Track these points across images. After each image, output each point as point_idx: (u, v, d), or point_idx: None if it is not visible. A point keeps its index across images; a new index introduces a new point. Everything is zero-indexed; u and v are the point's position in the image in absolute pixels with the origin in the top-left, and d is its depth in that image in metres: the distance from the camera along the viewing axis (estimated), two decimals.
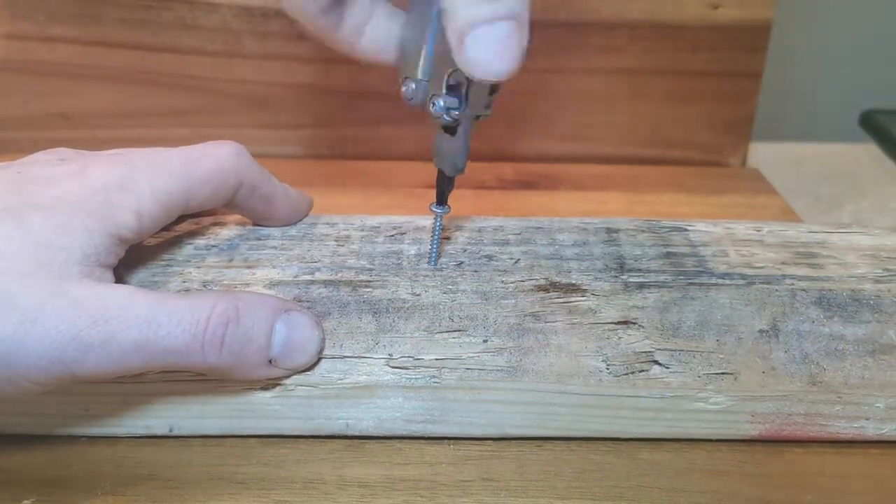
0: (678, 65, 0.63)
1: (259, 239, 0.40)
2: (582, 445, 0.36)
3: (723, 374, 0.35)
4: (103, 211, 0.32)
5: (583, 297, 0.37)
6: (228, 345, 0.32)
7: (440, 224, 0.38)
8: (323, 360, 0.35)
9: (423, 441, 0.36)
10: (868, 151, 0.71)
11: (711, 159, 0.67)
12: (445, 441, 0.36)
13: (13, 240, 0.30)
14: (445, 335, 0.35)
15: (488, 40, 0.30)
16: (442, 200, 0.38)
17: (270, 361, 0.33)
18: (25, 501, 0.33)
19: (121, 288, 0.32)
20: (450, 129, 0.36)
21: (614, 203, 0.60)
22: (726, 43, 0.62)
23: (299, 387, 0.35)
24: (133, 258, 0.36)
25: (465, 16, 0.30)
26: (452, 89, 0.34)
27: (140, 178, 0.33)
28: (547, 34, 0.61)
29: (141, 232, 0.33)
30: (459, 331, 0.35)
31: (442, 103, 0.34)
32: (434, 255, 0.38)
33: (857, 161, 0.71)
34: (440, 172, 0.37)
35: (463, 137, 0.36)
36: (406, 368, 0.35)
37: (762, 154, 0.69)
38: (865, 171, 0.69)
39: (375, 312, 0.36)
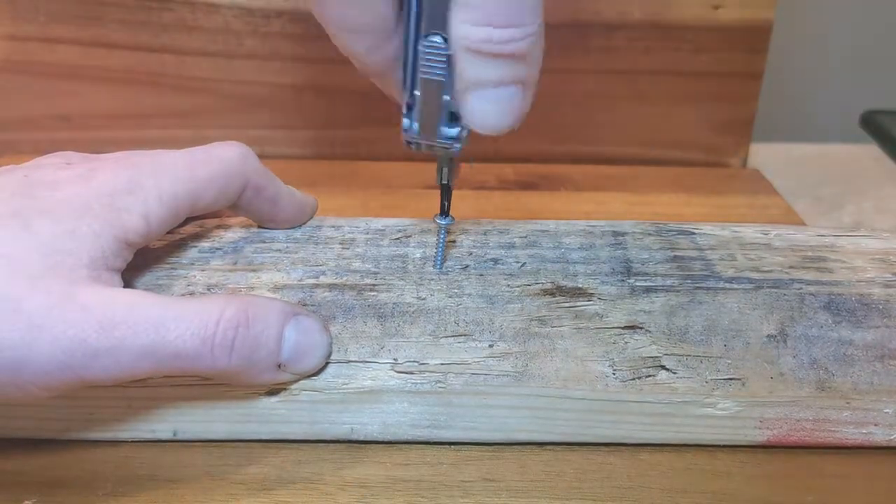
0: (679, 65, 0.63)
1: (263, 242, 0.40)
2: (583, 446, 0.36)
3: (730, 379, 0.35)
4: (110, 214, 0.32)
5: (589, 301, 0.37)
6: (238, 349, 0.31)
7: (444, 234, 0.38)
8: (328, 365, 0.35)
9: (424, 441, 0.36)
10: (869, 152, 0.71)
11: (712, 160, 0.67)
12: (447, 441, 0.36)
13: (21, 244, 0.30)
14: (451, 340, 0.35)
15: (490, 101, 0.31)
16: (446, 211, 0.38)
17: (279, 366, 0.33)
18: (27, 502, 0.33)
19: (129, 292, 0.31)
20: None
21: (615, 203, 0.60)
22: (727, 44, 0.62)
23: (304, 391, 0.34)
24: (137, 261, 0.36)
25: (471, 76, 0.31)
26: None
27: (146, 181, 0.33)
28: (548, 35, 0.61)
29: (148, 235, 0.33)
30: (465, 335, 0.35)
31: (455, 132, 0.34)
32: (439, 261, 0.38)
33: (858, 162, 0.71)
34: (445, 187, 0.37)
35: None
36: (411, 373, 0.35)
37: (763, 154, 0.69)
38: (866, 172, 0.69)
39: (380, 317, 0.36)
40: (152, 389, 0.34)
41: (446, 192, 0.37)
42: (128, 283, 0.35)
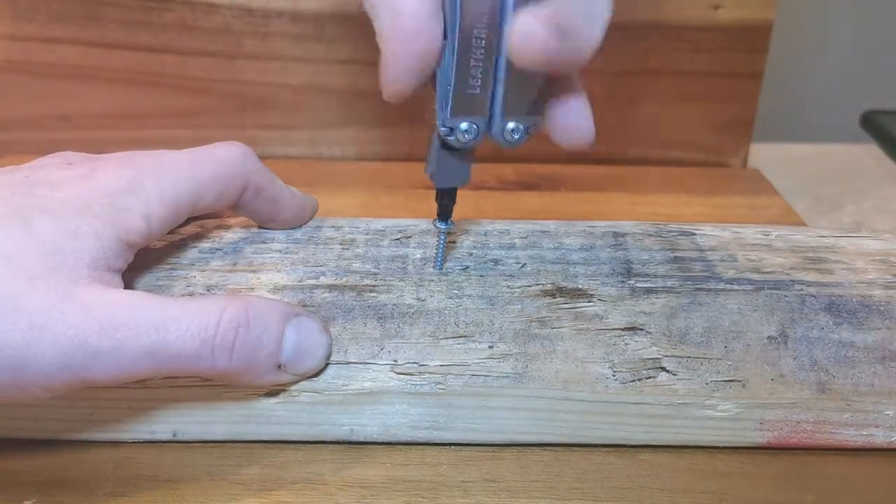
0: (679, 65, 0.63)
1: (264, 242, 0.39)
2: (583, 446, 0.36)
3: (731, 381, 0.35)
4: (112, 214, 0.32)
5: (589, 302, 0.36)
6: (239, 350, 0.31)
7: (444, 237, 0.38)
8: (328, 366, 0.35)
9: (424, 442, 0.36)
10: (869, 152, 0.71)
11: (712, 160, 0.67)
12: (447, 443, 0.36)
13: (21, 244, 0.30)
14: (451, 341, 0.35)
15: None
16: (447, 216, 0.38)
17: (280, 367, 0.33)
18: (27, 502, 0.32)
19: (129, 293, 0.31)
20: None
21: (615, 204, 0.60)
22: (727, 44, 0.62)
23: (304, 393, 0.34)
24: (138, 262, 0.36)
25: None
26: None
27: (148, 181, 0.33)
28: None
29: (149, 235, 0.33)
30: (465, 336, 0.35)
31: (522, 126, 0.35)
32: (439, 263, 0.38)
33: (858, 162, 0.71)
34: (444, 191, 0.37)
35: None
36: (411, 374, 0.35)
37: (763, 154, 0.69)
38: (866, 172, 0.69)
39: (380, 318, 0.36)
40: (152, 391, 0.34)
41: (450, 197, 0.37)
42: (128, 283, 0.35)
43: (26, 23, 0.60)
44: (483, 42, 0.32)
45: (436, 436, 0.35)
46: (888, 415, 0.35)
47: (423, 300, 0.36)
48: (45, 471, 0.34)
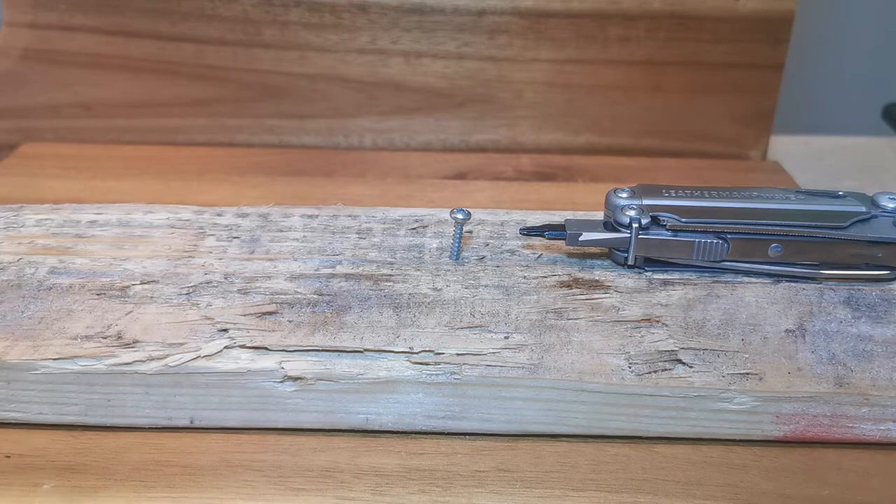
0: (699, 56, 0.63)
1: (280, 231, 0.40)
2: (598, 438, 0.36)
3: (747, 374, 0.34)
4: None
5: (606, 293, 0.36)
6: None
7: (461, 228, 0.38)
8: (343, 355, 0.35)
9: (439, 432, 0.36)
10: (890, 145, 0.71)
11: (732, 152, 0.66)
12: (461, 432, 0.36)
13: None
14: (466, 331, 0.35)
15: None
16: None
17: None
18: (45, 486, 0.33)
19: None
20: None
21: None
22: (748, 35, 0.62)
23: (319, 381, 0.34)
24: (157, 248, 0.36)
25: None
26: None
27: None
28: (567, 25, 0.61)
29: None
30: (481, 326, 0.35)
31: None
32: (456, 252, 0.38)
33: (879, 154, 0.70)
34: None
35: None
36: (426, 364, 0.35)
37: (783, 147, 0.69)
38: (887, 165, 0.69)
39: (396, 307, 0.36)
40: (170, 377, 0.34)
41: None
42: (146, 270, 0.35)
43: (47, 11, 0.60)
44: None
45: (450, 425, 0.35)
46: None
47: (440, 290, 0.36)
48: (62, 456, 0.34)
